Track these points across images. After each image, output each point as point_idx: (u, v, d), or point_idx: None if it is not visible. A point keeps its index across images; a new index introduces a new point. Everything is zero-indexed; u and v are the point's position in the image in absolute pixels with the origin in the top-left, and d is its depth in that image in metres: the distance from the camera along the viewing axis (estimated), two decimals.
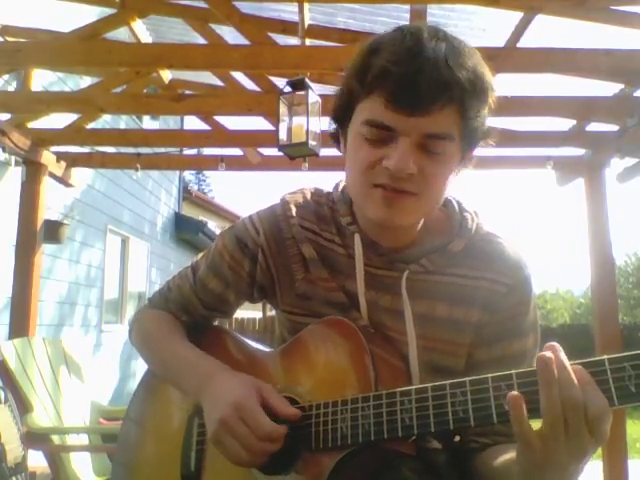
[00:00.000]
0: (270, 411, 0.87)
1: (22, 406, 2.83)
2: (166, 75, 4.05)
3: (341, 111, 0.93)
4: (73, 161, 4.86)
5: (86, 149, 5.00)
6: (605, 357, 0.69)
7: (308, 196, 1.07)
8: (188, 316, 1.14)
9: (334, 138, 1.02)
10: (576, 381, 0.67)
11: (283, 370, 0.99)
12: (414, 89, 0.79)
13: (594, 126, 4.40)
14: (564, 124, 4.45)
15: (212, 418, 0.89)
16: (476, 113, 0.84)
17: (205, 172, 30.97)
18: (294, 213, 1.05)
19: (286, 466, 0.89)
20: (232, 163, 4.97)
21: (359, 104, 0.88)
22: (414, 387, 0.81)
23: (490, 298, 0.96)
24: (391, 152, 0.84)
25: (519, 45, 3.46)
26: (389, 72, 0.80)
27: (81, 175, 5.46)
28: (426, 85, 0.78)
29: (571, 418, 0.66)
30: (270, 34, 3.47)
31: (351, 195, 0.98)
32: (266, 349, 1.10)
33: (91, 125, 4.64)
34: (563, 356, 0.69)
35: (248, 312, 12.87)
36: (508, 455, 0.87)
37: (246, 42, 3.36)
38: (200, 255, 1.16)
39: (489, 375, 0.75)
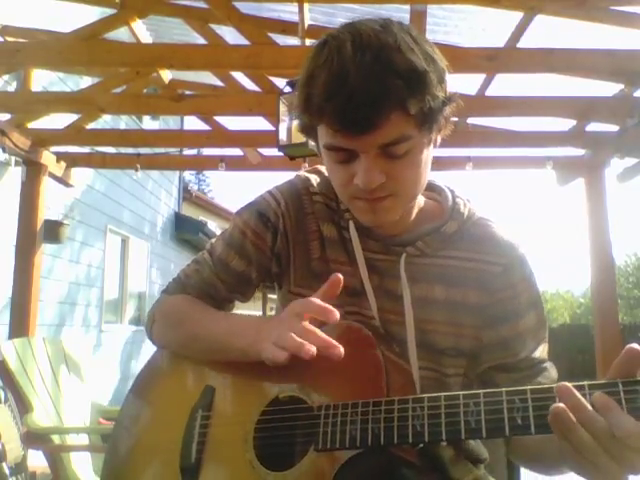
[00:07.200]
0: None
1: (22, 406, 2.82)
2: (166, 75, 4.04)
3: (306, 132, 0.96)
4: (73, 161, 4.86)
5: (86, 149, 5.00)
6: (619, 380, 0.68)
7: (327, 174, 1.07)
8: (210, 300, 1.12)
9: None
10: (597, 415, 0.66)
11: (293, 369, 0.97)
12: (353, 115, 0.82)
13: (594, 126, 4.41)
14: (564, 124, 4.45)
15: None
16: (422, 102, 0.83)
17: (205, 172, 30.96)
18: (317, 190, 1.06)
19: (289, 463, 0.88)
20: (232, 163, 4.98)
21: (317, 127, 0.91)
22: (427, 395, 0.80)
23: (486, 279, 0.98)
24: (358, 168, 0.88)
25: (519, 45, 3.46)
26: (325, 108, 0.84)
27: (81, 175, 5.47)
28: (362, 107, 0.81)
29: (607, 445, 0.65)
30: (270, 34, 3.47)
31: None
32: None
33: (91, 125, 4.65)
34: (575, 395, 0.67)
35: (248, 312, 12.88)
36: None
37: (246, 42, 3.36)
38: (214, 239, 1.15)
39: (503, 389, 0.76)
